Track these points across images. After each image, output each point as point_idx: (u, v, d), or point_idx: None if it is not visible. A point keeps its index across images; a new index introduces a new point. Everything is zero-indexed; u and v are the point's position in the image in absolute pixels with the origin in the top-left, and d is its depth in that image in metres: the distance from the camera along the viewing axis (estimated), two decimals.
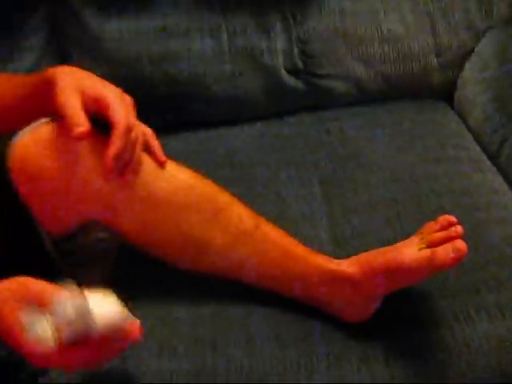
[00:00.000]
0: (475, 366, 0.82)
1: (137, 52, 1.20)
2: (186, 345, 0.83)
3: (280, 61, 1.27)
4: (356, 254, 0.85)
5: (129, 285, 0.82)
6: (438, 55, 1.31)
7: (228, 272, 0.89)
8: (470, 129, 1.24)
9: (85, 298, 0.65)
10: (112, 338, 0.68)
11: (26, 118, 0.83)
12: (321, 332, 0.85)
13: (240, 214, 0.88)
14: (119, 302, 0.69)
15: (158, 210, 0.84)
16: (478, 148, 1.17)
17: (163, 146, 0.85)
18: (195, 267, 0.89)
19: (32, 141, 0.80)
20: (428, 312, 0.87)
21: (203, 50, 1.23)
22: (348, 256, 0.86)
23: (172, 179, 0.86)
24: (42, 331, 0.66)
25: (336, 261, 0.87)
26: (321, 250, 0.89)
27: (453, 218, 0.80)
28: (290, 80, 1.29)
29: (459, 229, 0.77)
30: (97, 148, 0.80)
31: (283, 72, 1.28)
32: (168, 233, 0.86)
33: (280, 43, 1.27)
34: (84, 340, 0.67)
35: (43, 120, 0.82)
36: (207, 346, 0.83)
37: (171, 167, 0.86)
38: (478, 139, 1.20)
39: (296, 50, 1.29)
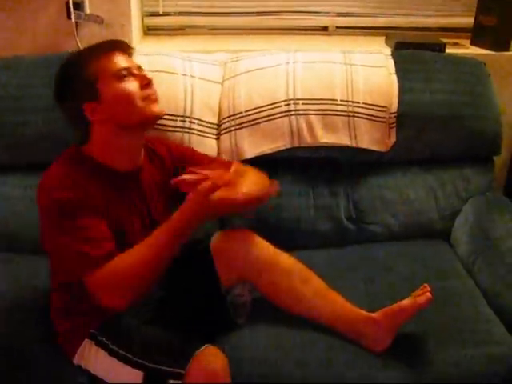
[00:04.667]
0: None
1: None
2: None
3: (342, 212, 1.93)
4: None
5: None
6: (438, 212, 1.97)
7: (307, 313, 1.51)
8: (457, 256, 1.87)
9: None
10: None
11: None
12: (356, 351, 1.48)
13: (318, 281, 1.53)
14: None
15: (282, 276, 1.51)
16: (460, 265, 1.81)
17: None
18: (295, 311, 1.52)
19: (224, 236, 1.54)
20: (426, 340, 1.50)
21: (299, 203, 1.90)
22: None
23: (285, 258, 1.54)
24: None
25: (366, 312, 1.50)
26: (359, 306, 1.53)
27: (426, 285, 1.46)
28: (348, 224, 1.93)
29: (428, 289, 1.45)
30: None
31: (344, 219, 1.93)
32: (284, 290, 1.51)
33: (342, 202, 1.94)
34: None
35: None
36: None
37: (282, 253, 1.54)
38: (461, 261, 1.83)
39: (351, 207, 1.94)
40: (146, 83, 1.42)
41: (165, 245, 1.34)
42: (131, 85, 1.40)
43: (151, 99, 1.43)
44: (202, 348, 1.33)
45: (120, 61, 1.41)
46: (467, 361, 1.48)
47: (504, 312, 1.62)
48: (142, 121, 1.44)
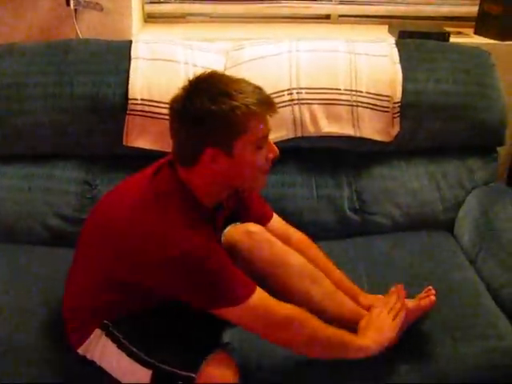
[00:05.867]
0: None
1: None
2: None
3: (346, 203, 1.91)
4: None
5: None
6: (442, 203, 1.96)
7: (315, 312, 1.42)
8: (461, 247, 1.86)
9: None
10: None
11: None
12: None
13: (327, 282, 1.52)
14: None
15: (291, 275, 1.48)
16: (464, 257, 1.80)
17: None
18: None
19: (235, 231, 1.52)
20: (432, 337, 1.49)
21: (302, 194, 1.89)
22: None
23: (296, 257, 1.51)
24: None
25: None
26: None
27: (431, 287, 1.47)
28: (351, 215, 1.92)
29: (433, 292, 1.45)
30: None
31: (347, 210, 1.91)
32: (293, 289, 1.47)
33: (346, 193, 1.92)
34: None
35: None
36: None
37: (292, 252, 1.52)
38: (464, 253, 1.82)
39: (355, 197, 1.93)
40: (272, 158, 1.35)
41: (338, 349, 1.38)
42: (263, 157, 1.33)
43: (267, 173, 1.38)
44: (214, 354, 1.33)
45: (266, 127, 1.31)
46: (470, 355, 1.47)
47: (507, 305, 1.61)
48: (248, 188, 1.46)
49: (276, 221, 1.65)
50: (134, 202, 1.33)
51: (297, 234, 1.65)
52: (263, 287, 1.43)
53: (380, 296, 1.55)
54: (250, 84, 1.32)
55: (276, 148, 1.36)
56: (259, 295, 1.30)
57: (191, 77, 1.32)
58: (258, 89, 1.32)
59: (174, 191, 1.31)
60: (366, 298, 1.56)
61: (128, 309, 1.38)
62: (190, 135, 1.29)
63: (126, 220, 1.30)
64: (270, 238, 1.53)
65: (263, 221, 1.61)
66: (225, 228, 1.58)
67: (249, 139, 1.27)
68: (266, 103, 1.30)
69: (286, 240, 1.57)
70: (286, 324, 1.32)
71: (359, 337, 1.40)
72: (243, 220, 1.59)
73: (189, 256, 1.22)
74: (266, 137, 1.32)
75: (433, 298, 1.44)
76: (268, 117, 1.31)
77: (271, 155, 1.35)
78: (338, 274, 1.58)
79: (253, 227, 1.54)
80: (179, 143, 1.33)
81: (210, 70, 1.37)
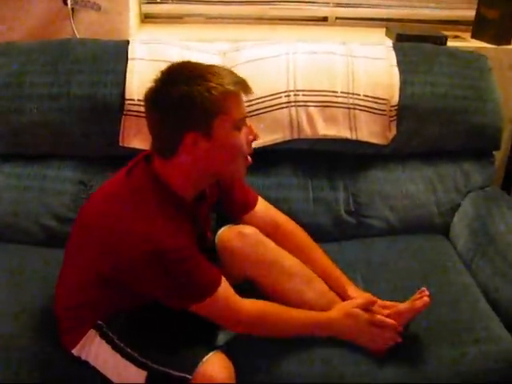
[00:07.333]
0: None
1: None
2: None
3: (341, 206, 1.91)
4: None
5: None
6: (437, 207, 1.96)
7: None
8: (456, 251, 1.86)
9: None
10: None
11: None
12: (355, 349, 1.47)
13: (321, 283, 1.53)
14: None
15: (286, 276, 1.49)
16: (459, 261, 1.80)
17: None
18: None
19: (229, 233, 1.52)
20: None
21: (298, 196, 1.88)
22: None
23: (289, 258, 1.53)
24: None
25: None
26: None
27: (424, 289, 1.46)
28: (347, 217, 1.91)
29: (426, 293, 1.44)
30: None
31: (343, 212, 1.91)
32: (288, 291, 1.49)
33: (342, 196, 1.92)
34: None
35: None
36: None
37: (286, 253, 1.53)
38: (460, 256, 1.83)
39: (351, 200, 1.92)
40: (252, 139, 1.36)
41: (303, 328, 1.45)
42: (243, 138, 1.32)
43: (248, 161, 1.37)
44: (210, 355, 1.32)
45: (243, 107, 1.32)
46: (465, 359, 1.48)
47: (502, 309, 1.61)
48: (230, 177, 1.48)
49: (261, 207, 1.65)
50: (110, 197, 1.35)
51: (282, 219, 1.67)
52: (256, 288, 1.48)
53: (367, 295, 1.55)
54: (224, 68, 1.34)
55: (255, 131, 1.37)
56: (223, 289, 1.34)
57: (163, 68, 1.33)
58: (232, 72, 1.33)
59: (148, 185, 1.32)
60: (356, 292, 1.56)
61: (119, 306, 1.38)
62: (168, 123, 1.29)
63: (105, 216, 1.31)
64: (264, 240, 1.53)
65: (247, 209, 1.61)
66: (218, 228, 1.58)
67: (227, 120, 1.28)
68: (241, 83, 1.31)
69: (272, 227, 1.60)
70: (254, 323, 1.40)
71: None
72: (226, 210, 1.61)
73: (162, 257, 1.23)
74: (243, 118, 1.33)
75: (426, 299, 1.43)
76: (244, 96, 1.33)
77: (251, 137, 1.35)
78: (325, 261, 1.61)
79: (246, 229, 1.54)
80: (158, 134, 1.33)
81: (181, 60, 1.38)
